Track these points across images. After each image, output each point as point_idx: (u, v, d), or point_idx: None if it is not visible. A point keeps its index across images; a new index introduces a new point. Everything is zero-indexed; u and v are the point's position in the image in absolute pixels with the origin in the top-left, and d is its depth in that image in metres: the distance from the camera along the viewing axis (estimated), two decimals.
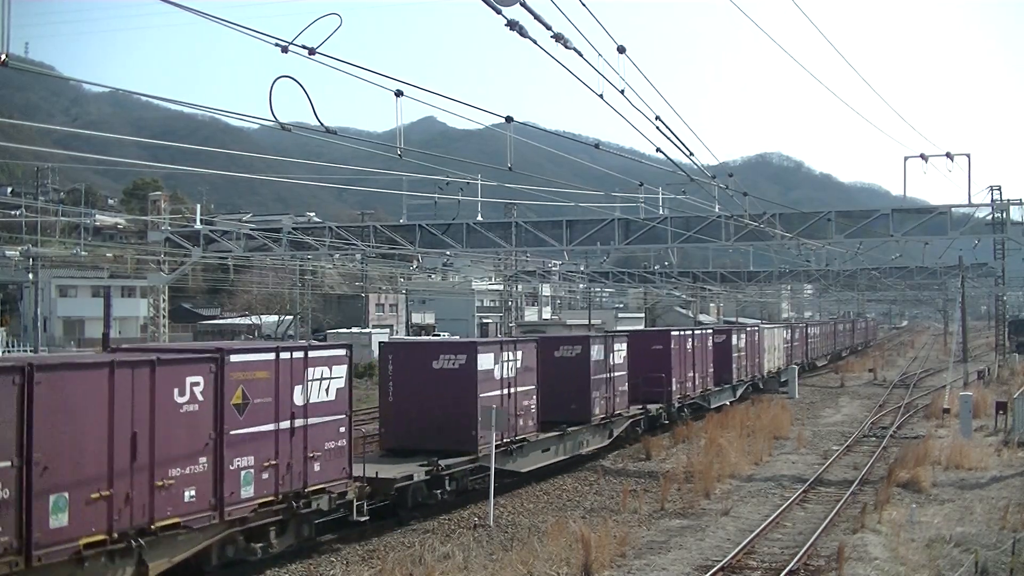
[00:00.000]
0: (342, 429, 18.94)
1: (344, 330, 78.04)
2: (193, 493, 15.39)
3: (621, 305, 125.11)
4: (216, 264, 71.96)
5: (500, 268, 72.25)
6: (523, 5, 10.12)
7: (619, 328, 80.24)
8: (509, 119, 16.81)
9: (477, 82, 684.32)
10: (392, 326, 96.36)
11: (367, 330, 76.94)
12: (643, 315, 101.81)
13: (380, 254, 47.49)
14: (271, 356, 17.37)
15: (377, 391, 25.72)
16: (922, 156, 29.40)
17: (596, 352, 30.25)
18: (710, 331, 44.63)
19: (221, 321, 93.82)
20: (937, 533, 20.28)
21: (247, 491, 16.53)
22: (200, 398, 15.64)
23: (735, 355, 46.69)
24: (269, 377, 17.15)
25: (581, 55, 12.18)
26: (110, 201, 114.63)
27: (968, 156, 29.85)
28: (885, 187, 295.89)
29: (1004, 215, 34.50)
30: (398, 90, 14.05)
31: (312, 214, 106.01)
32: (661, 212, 37.03)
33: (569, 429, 28.29)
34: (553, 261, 74.72)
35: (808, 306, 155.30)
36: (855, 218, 35.45)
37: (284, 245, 41.00)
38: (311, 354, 18.36)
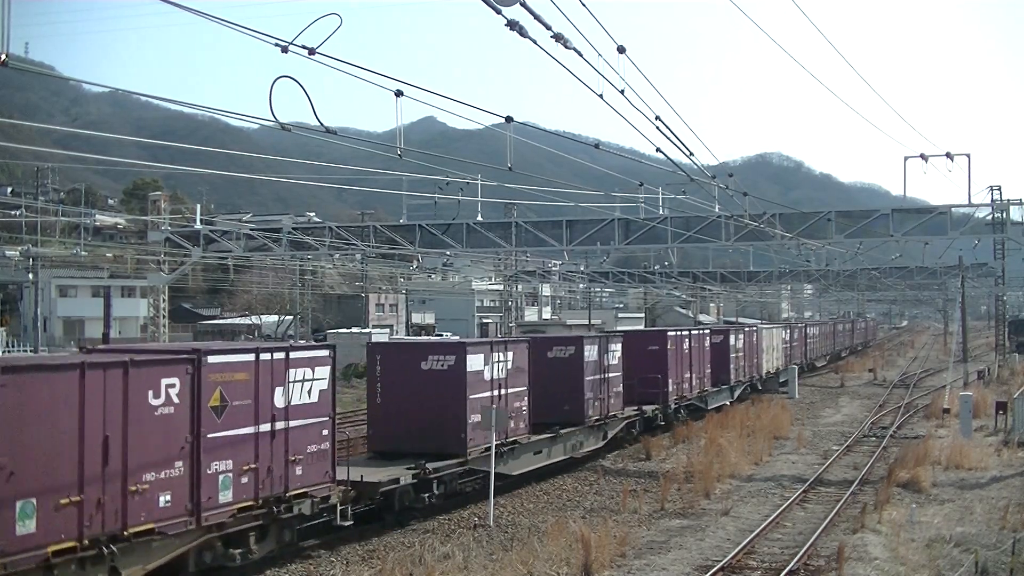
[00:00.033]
0: (325, 432, 18.50)
1: (344, 330, 77.99)
2: (168, 498, 14.99)
3: (621, 305, 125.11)
4: (216, 264, 72.00)
5: (500, 268, 72.27)
6: (523, 5, 10.13)
7: (619, 328, 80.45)
8: (509, 119, 16.82)
9: (477, 82, 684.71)
10: (392, 326, 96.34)
11: (367, 330, 76.93)
12: (643, 315, 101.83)
13: (380, 254, 47.51)
14: (251, 357, 16.95)
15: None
16: (922, 156, 29.42)
17: (590, 353, 29.85)
18: (707, 331, 44.26)
19: (221, 321, 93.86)
20: (937, 533, 20.29)
21: (225, 496, 16.10)
22: (176, 400, 15.23)
23: (733, 356, 46.36)
24: (249, 379, 16.74)
25: (581, 55, 12.18)
26: (110, 201, 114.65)
27: (968, 156, 29.92)
28: (885, 187, 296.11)
29: (1004, 215, 34.52)
30: (398, 90, 14.06)
31: (312, 214, 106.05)
32: (661, 212, 37.04)
33: (562, 431, 27.85)
34: (553, 261, 74.73)
35: (808, 306, 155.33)
36: (855, 218, 35.46)
37: (284, 245, 41.01)
38: (293, 355, 17.94)
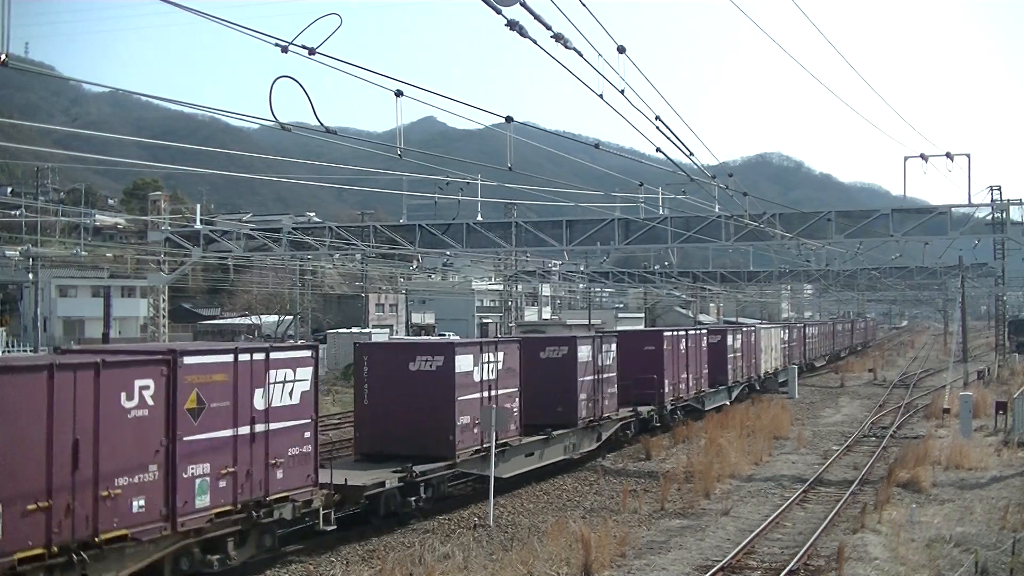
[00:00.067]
0: (307, 434, 18.03)
1: (344, 330, 78.02)
2: (142, 503, 14.53)
3: (621, 305, 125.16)
4: (216, 264, 72.01)
5: (500, 268, 72.28)
6: (523, 5, 10.13)
7: (619, 328, 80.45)
8: (509, 119, 16.82)
9: (477, 82, 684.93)
10: (392, 326, 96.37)
11: (367, 330, 76.94)
12: (643, 315, 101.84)
13: (380, 254, 47.52)
14: (229, 358, 16.48)
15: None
16: (922, 156, 29.43)
17: (584, 353, 29.38)
18: (704, 331, 43.84)
19: (221, 321, 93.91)
20: (937, 533, 20.28)
21: (202, 500, 15.67)
22: (150, 403, 14.79)
23: (730, 356, 45.93)
24: (227, 380, 16.26)
25: (581, 55, 12.19)
26: (110, 201, 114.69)
27: (968, 156, 29.92)
28: (885, 187, 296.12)
29: (1004, 215, 34.53)
30: (398, 90, 14.06)
31: (312, 214, 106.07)
32: (661, 212, 37.05)
33: (554, 433, 27.38)
34: (553, 261, 74.75)
35: (808, 306, 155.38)
36: (855, 218, 35.46)
37: (284, 245, 41.02)
38: (273, 355, 17.45)
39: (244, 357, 16.71)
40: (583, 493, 26.08)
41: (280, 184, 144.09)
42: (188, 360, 15.53)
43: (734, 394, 46.64)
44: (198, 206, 46.56)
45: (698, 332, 42.35)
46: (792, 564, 17.94)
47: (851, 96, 31.99)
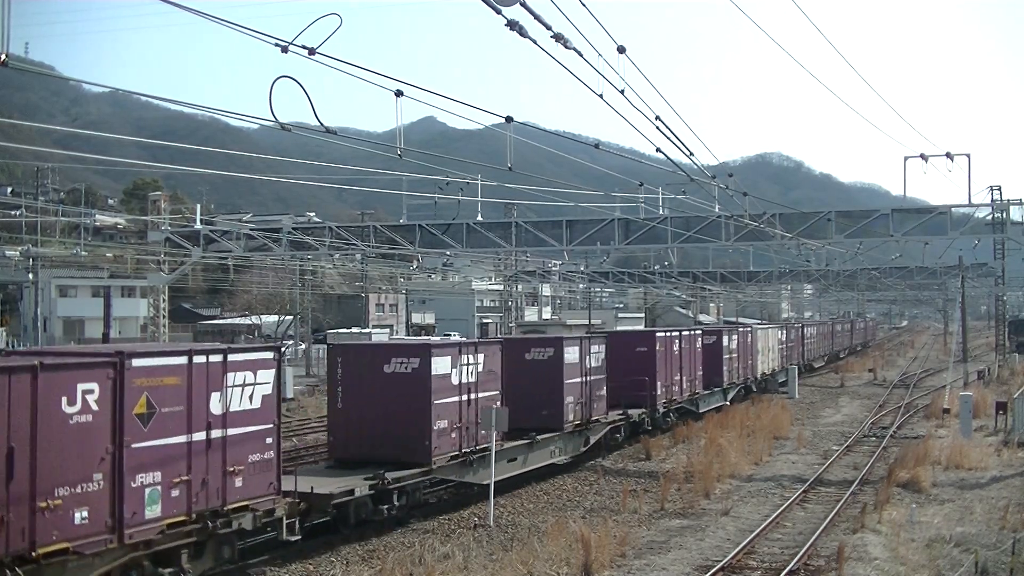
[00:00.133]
0: (269, 440, 17.18)
1: (344, 330, 78.11)
2: (85, 514, 13.70)
3: (621, 305, 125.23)
4: (216, 264, 71.99)
5: (500, 268, 72.29)
6: (523, 5, 10.13)
7: (619, 328, 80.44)
8: (509, 119, 16.81)
9: (477, 82, 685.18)
10: (392, 326, 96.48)
11: (367, 330, 77.00)
12: (643, 315, 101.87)
13: (380, 254, 47.51)
14: (182, 360, 15.68)
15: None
16: (922, 156, 29.43)
17: (570, 355, 28.58)
18: (699, 332, 42.92)
19: (221, 321, 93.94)
20: (937, 533, 20.29)
21: (153, 510, 14.83)
22: (95, 408, 13.92)
23: (726, 357, 45.08)
24: (180, 383, 15.48)
25: (581, 55, 12.18)
26: (110, 201, 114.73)
27: (968, 156, 29.90)
28: (885, 187, 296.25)
29: (1004, 215, 34.51)
30: (398, 90, 14.06)
31: (312, 214, 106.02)
32: (661, 212, 37.04)
33: (539, 437, 26.53)
34: (553, 261, 74.76)
35: (808, 306, 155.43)
36: (855, 218, 35.45)
37: (284, 245, 41.01)
38: (231, 357, 16.58)
39: (199, 359, 15.95)
40: (583, 493, 26.08)
41: (280, 184, 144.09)
42: (137, 362, 14.72)
43: (730, 396, 45.92)
44: (198, 206, 46.56)
45: (692, 333, 41.55)
46: (792, 564, 17.94)
47: (851, 96, 32.00)
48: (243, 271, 77.95)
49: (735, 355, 47.31)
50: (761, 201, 34.48)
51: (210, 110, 17.86)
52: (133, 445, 14.49)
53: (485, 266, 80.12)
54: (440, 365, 22.15)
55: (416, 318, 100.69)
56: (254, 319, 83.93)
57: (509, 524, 22.10)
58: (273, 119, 13.65)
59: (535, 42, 11.05)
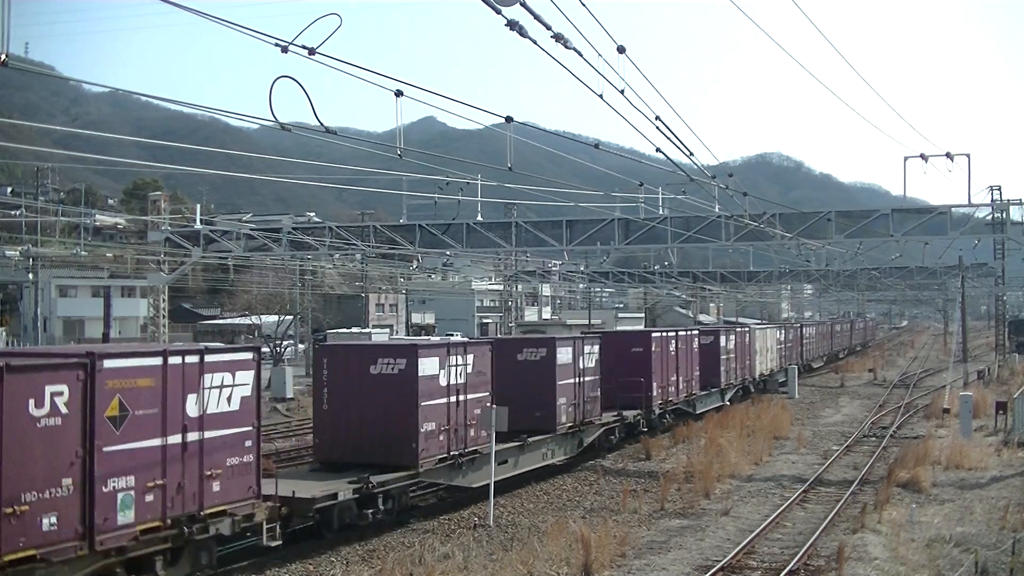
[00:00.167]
0: (248, 443, 16.73)
1: (344, 330, 78.10)
2: (54, 520, 13.28)
3: (621, 305, 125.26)
4: (216, 264, 72.01)
5: (500, 268, 72.29)
6: (523, 5, 10.13)
7: (619, 328, 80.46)
8: (509, 119, 16.82)
9: (477, 82, 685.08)
10: (392, 326, 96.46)
11: (367, 330, 76.98)
12: (643, 315, 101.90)
13: (380, 254, 47.52)
14: (157, 361, 15.24)
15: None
16: (922, 156, 29.43)
17: (563, 355, 28.21)
18: (695, 332, 42.64)
19: (221, 321, 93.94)
20: (937, 533, 20.29)
21: (125, 516, 14.40)
22: (64, 410, 13.50)
23: (723, 357, 44.73)
24: (155, 385, 15.05)
25: (581, 55, 12.19)
26: (110, 201, 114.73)
27: (968, 156, 29.91)
28: (885, 187, 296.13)
29: (1004, 215, 34.53)
30: (398, 90, 14.07)
31: (312, 214, 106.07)
32: (661, 212, 37.04)
33: (530, 440, 26.06)
34: (553, 261, 74.76)
35: (808, 306, 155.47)
36: (855, 218, 35.46)
37: (284, 245, 41.01)
38: (208, 358, 16.15)
39: (175, 360, 15.53)
40: (583, 493, 26.08)
41: (280, 184, 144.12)
42: (108, 364, 14.28)
43: (727, 397, 45.56)
44: (198, 206, 46.55)
45: (689, 333, 41.17)
46: (792, 564, 17.95)
47: (851, 96, 32.00)
48: (243, 271, 77.91)
49: (733, 355, 46.96)
50: (761, 201, 34.48)
51: (210, 110, 17.90)
52: (105, 449, 14.09)
53: (485, 266, 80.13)
54: (427, 366, 21.81)
55: (416, 318, 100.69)
56: (254, 319, 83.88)
57: (509, 524, 22.11)
58: (273, 119, 13.66)
59: (535, 42, 11.06)
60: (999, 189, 38.53)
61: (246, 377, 16.87)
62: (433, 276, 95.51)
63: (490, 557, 18.70)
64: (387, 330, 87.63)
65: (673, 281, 75.94)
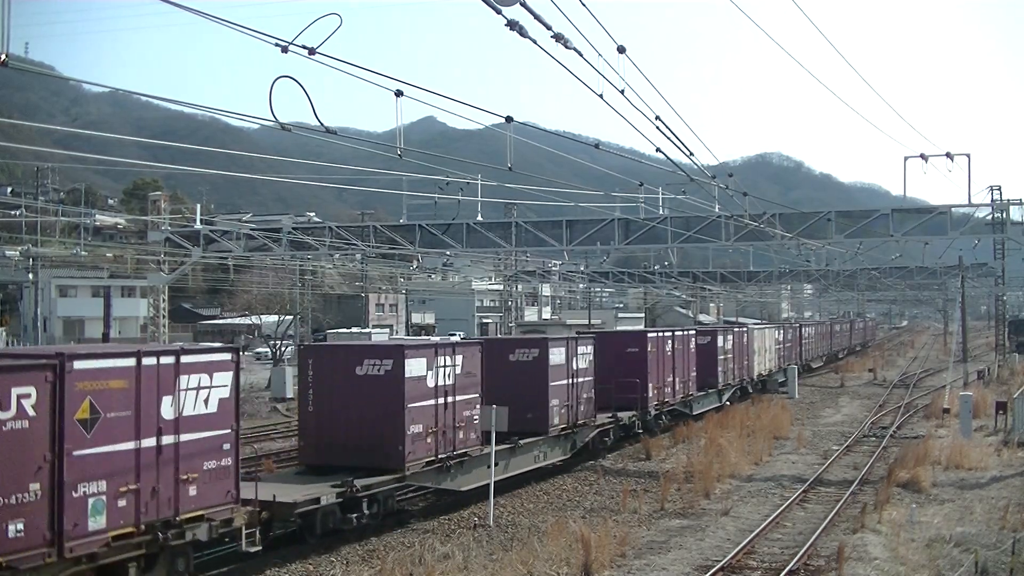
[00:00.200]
0: (226, 446, 16.33)
1: (344, 330, 78.13)
2: (20, 527, 12.87)
3: (621, 305, 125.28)
4: (216, 264, 71.96)
5: (500, 268, 72.28)
6: (523, 5, 10.14)
7: (619, 328, 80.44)
8: (509, 119, 16.82)
9: (477, 82, 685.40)
10: (392, 326, 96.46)
11: (367, 330, 76.99)
12: (643, 315, 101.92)
13: (380, 254, 47.51)
14: (130, 362, 14.80)
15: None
16: (922, 156, 29.44)
17: (556, 356, 27.83)
18: (692, 332, 42.07)
19: (221, 321, 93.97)
20: (937, 533, 20.29)
21: (97, 522, 13.97)
22: (31, 413, 13.13)
23: (721, 358, 44.43)
24: (128, 387, 14.64)
25: (581, 55, 12.19)
26: (110, 201, 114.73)
27: (968, 156, 29.90)
28: (885, 187, 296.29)
29: (1004, 215, 34.52)
30: (398, 90, 14.07)
31: (312, 214, 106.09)
32: (661, 212, 37.04)
33: (521, 442, 25.64)
34: (553, 261, 74.74)
35: (808, 306, 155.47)
36: (855, 218, 35.45)
37: (284, 245, 41.01)
38: (184, 359, 15.74)
39: (149, 361, 15.10)
40: (583, 493, 26.08)
41: (280, 184, 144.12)
42: (79, 365, 13.88)
43: (725, 398, 45.24)
44: (198, 206, 46.54)
45: (685, 333, 40.64)
46: (792, 564, 17.95)
47: (851, 96, 32.02)
48: (243, 271, 77.87)
49: (730, 356, 46.63)
50: (761, 201, 34.47)
51: (210, 110, 17.88)
52: (75, 453, 13.72)
53: (485, 266, 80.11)
54: (414, 367, 21.41)
55: (416, 318, 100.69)
56: (254, 319, 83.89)
57: (509, 524, 22.11)
58: (273, 119, 13.67)
59: (535, 42, 11.06)
60: (999, 189, 38.49)
61: (224, 378, 16.48)
62: (433, 276, 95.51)
63: (490, 557, 18.70)
64: (387, 330, 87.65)
65: (673, 281, 75.94)
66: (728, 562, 18.22)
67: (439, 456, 22.19)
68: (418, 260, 64.07)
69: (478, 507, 23.33)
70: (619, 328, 79.33)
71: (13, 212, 66.54)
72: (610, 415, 31.85)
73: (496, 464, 24.15)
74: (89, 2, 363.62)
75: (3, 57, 9.74)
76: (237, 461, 16.66)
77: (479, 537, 20.59)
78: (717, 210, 33.74)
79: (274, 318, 79.68)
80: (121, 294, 78.22)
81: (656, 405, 35.72)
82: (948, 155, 29.20)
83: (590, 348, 30.39)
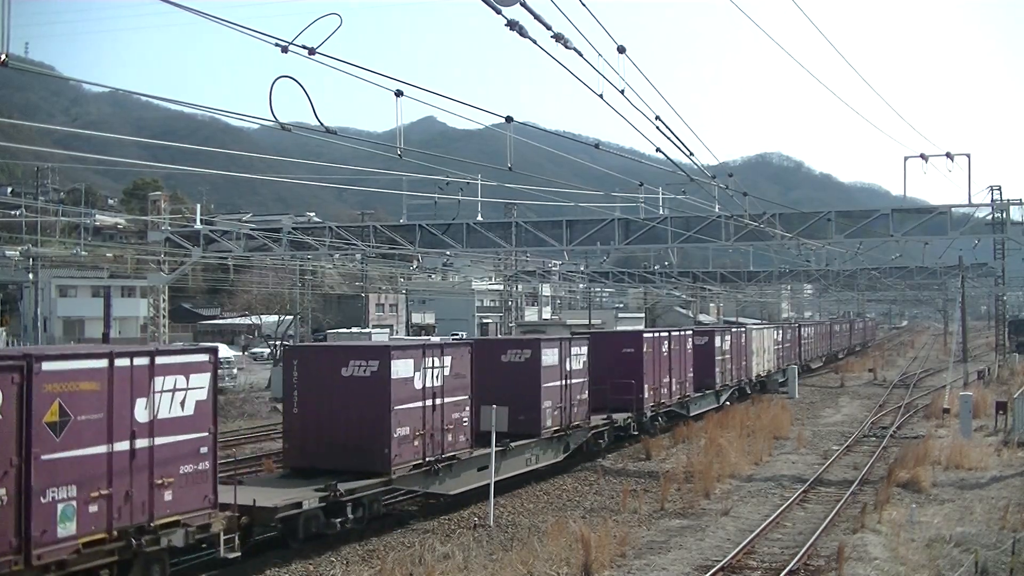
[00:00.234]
0: (204, 449, 15.91)
1: (344, 330, 78.06)
2: None
3: (621, 305, 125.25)
4: (216, 264, 71.99)
5: (500, 268, 72.28)
6: (523, 5, 10.14)
7: (619, 328, 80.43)
8: (509, 119, 16.82)
9: (477, 82, 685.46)
10: (392, 326, 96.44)
11: (367, 330, 76.95)
12: (643, 315, 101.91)
13: (380, 254, 47.53)
14: (102, 363, 14.38)
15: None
16: (922, 156, 29.44)
17: (549, 357, 27.30)
18: (689, 332, 41.75)
19: (221, 321, 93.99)
20: (937, 533, 20.29)
21: (66, 528, 13.57)
22: None
23: (718, 358, 44.13)
24: (100, 389, 14.24)
25: (581, 55, 12.19)
26: (110, 201, 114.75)
27: (968, 156, 29.91)
28: (885, 187, 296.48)
29: (1004, 215, 34.53)
30: (398, 90, 14.07)
31: (312, 214, 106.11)
32: (661, 212, 37.05)
33: (512, 444, 25.07)
34: (553, 261, 74.74)
35: (808, 306, 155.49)
36: (855, 218, 35.46)
37: (284, 245, 41.02)
38: (159, 360, 15.32)
39: (122, 362, 14.66)
40: (583, 493, 26.08)
41: (280, 184, 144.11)
42: (48, 366, 13.54)
43: (723, 399, 44.91)
44: (198, 206, 46.55)
45: (682, 333, 40.33)
46: (792, 564, 17.95)
47: (851, 96, 32.02)
48: (243, 271, 77.91)
49: (728, 356, 46.30)
50: (761, 201, 34.48)
51: (210, 110, 17.89)
52: (43, 457, 13.36)
53: (485, 266, 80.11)
54: (401, 368, 20.99)
55: (416, 318, 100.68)
56: (254, 319, 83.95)
57: (509, 524, 22.11)
58: (273, 119, 13.67)
59: (535, 42, 11.06)
60: (999, 189, 38.49)
61: (201, 380, 16.09)
62: (433, 276, 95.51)
63: (490, 557, 18.70)
64: (387, 330, 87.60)
65: (673, 281, 75.96)
66: (728, 562, 18.22)
67: (427, 459, 21.77)
68: (418, 260, 64.08)
69: (478, 507, 23.33)
70: (618, 328, 79.33)
71: (13, 212, 66.56)
72: (605, 416, 31.47)
73: (486, 467, 23.77)
74: (89, 2, 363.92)
75: (3, 57, 9.74)
76: (215, 465, 16.33)
77: (479, 537, 20.59)
78: (717, 210, 33.75)
79: (274, 318, 79.64)
80: (121, 294, 78.21)
81: (652, 406, 35.39)
82: (948, 155, 29.21)
83: (584, 349, 29.90)
